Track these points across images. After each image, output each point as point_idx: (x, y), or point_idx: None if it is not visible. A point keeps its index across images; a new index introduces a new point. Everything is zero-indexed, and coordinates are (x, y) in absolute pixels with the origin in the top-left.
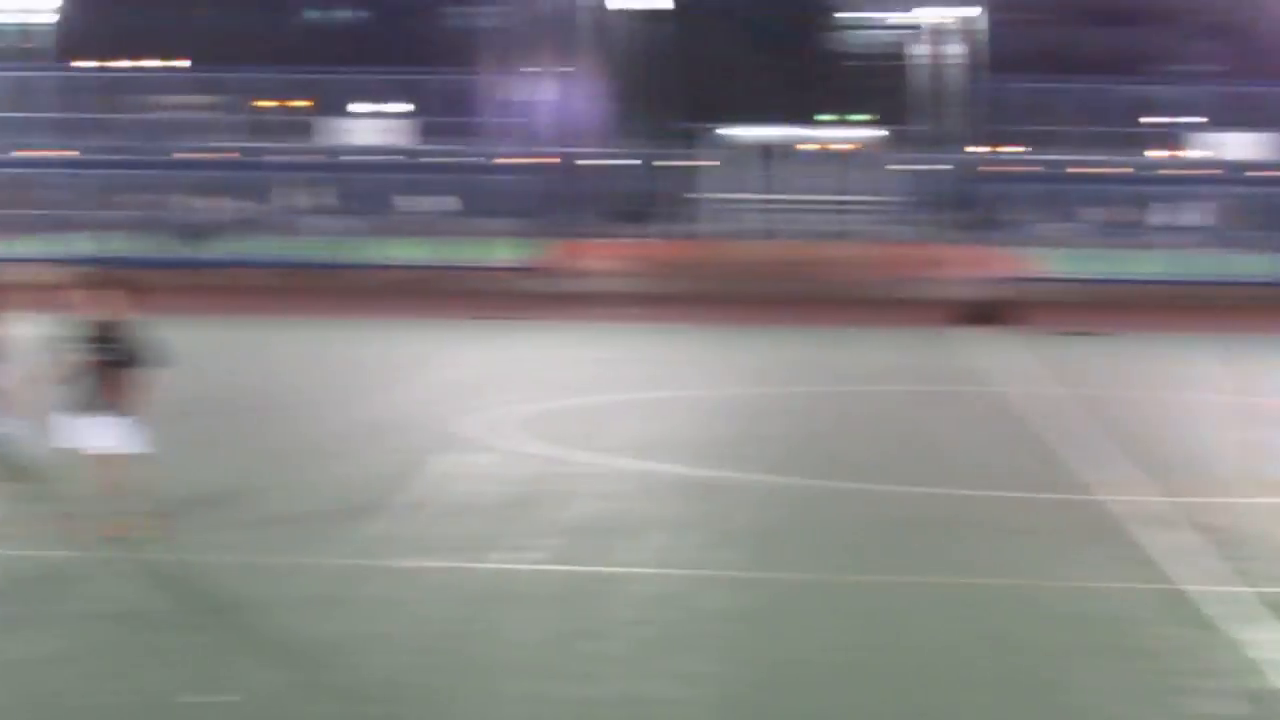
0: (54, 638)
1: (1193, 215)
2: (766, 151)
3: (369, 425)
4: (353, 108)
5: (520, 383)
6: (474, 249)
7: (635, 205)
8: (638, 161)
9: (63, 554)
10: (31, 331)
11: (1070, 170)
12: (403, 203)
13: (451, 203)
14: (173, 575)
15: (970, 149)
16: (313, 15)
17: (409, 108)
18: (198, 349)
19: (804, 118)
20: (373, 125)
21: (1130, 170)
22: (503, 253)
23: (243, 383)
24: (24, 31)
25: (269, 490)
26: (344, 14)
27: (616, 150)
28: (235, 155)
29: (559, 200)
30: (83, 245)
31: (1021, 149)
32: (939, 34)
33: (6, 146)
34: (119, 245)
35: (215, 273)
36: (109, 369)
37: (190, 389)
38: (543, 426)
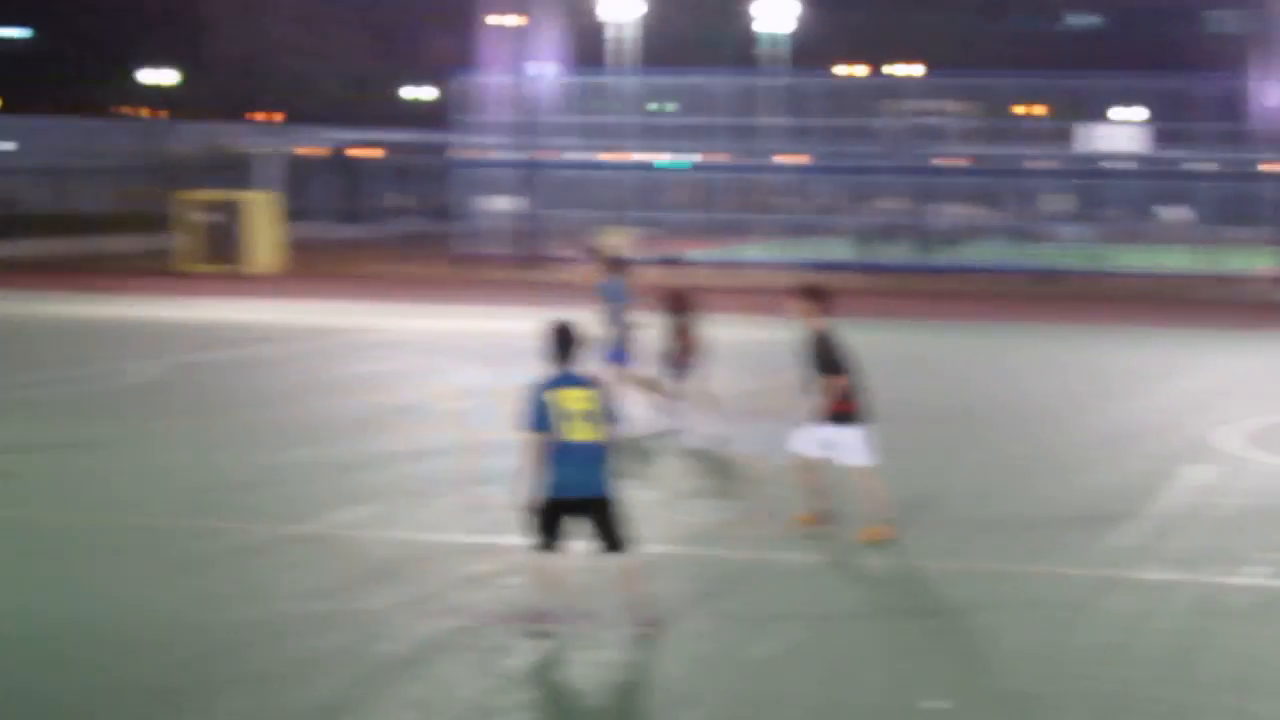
0: (789, 637)
1: None
2: None
3: (1107, 434)
4: (1097, 114)
5: (1268, 393)
6: (1225, 257)
7: None
8: None
9: (787, 555)
10: (766, 336)
11: None
12: (1164, 212)
13: (1201, 211)
14: (900, 579)
15: None
16: (1072, 21)
17: (1149, 113)
18: (936, 356)
19: None
20: (1119, 132)
21: None
22: (1255, 262)
23: (981, 389)
24: (771, 39)
25: (1004, 498)
26: (1093, 20)
27: None
28: (969, 161)
29: None
30: (819, 250)
31: None
32: None
33: (764, 151)
34: (856, 251)
35: (958, 278)
36: (823, 377)
37: (927, 395)
38: None
